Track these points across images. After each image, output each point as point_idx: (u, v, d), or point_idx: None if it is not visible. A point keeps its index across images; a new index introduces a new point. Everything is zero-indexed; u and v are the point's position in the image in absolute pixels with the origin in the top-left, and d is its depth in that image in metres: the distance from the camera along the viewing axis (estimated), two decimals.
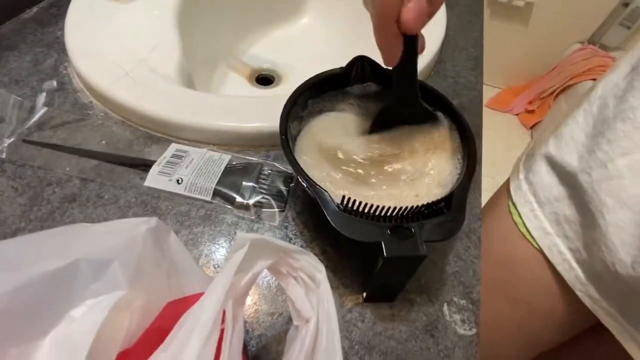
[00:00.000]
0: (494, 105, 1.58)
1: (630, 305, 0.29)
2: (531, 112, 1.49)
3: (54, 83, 0.35)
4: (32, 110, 0.32)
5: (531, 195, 0.35)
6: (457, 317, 0.24)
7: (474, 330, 0.23)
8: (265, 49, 0.61)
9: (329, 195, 0.20)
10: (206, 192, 0.28)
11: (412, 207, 0.20)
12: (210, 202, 0.28)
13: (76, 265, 0.10)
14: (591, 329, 0.38)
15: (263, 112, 0.32)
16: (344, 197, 0.20)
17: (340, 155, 0.26)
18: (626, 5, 1.25)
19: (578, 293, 0.31)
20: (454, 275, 0.26)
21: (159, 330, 0.13)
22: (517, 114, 1.55)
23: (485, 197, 0.34)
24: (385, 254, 0.19)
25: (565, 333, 0.37)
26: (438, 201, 0.21)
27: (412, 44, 0.22)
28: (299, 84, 0.27)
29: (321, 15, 0.63)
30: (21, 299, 0.09)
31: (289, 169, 0.30)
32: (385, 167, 0.26)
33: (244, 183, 0.28)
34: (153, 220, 0.15)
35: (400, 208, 0.20)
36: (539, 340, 0.38)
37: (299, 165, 0.22)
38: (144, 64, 0.35)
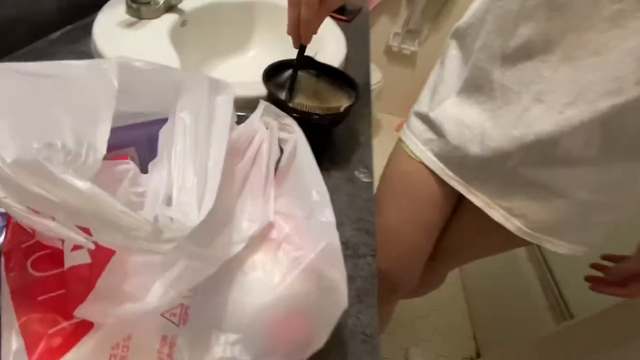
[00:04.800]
0: (399, 130, 1.99)
1: (465, 172, 0.53)
2: None
3: None
4: None
5: (411, 134, 0.60)
6: (362, 175, 0.46)
7: (370, 179, 0.46)
8: (223, 73, 0.82)
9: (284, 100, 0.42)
10: None
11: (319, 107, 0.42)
12: None
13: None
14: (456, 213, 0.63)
15: (237, 88, 0.53)
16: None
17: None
18: None
19: (443, 176, 0.55)
20: (359, 160, 0.48)
21: None
22: None
23: None
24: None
25: (442, 212, 0.61)
26: (335, 108, 0.43)
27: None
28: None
29: (264, 49, 0.88)
30: None
31: None
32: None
33: None
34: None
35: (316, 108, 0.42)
36: (427, 221, 0.61)
37: (270, 84, 0.43)
38: None
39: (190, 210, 0.18)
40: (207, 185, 0.20)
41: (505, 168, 0.47)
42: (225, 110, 0.26)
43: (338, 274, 0.24)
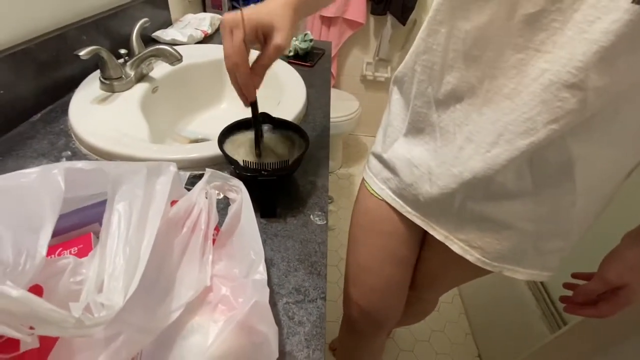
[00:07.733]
0: None
1: (422, 208, 0.56)
2: None
3: (69, 152, 0.56)
4: None
5: (370, 173, 0.64)
6: (317, 218, 0.50)
7: (324, 222, 0.49)
8: (198, 126, 0.88)
9: (235, 160, 0.46)
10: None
11: (268, 163, 0.47)
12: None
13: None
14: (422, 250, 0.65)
15: (200, 149, 0.57)
16: (243, 160, 0.46)
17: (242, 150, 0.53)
18: None
19: (403, 212, 0.58)
20: (315, 203, 0.52)
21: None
22: None
23: None
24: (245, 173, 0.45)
25: (409, 245, 0.63)
26: (282, 162, 0.47)
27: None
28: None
29: (235, 100, 0.94)
30: None
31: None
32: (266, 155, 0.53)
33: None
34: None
35: (266, 164, 0.46)
36: (395, 254, 0.64)
37: (224, 149, 0.48)
38: (127, 136, 0.59)
39: (117, 294, 0.22)
40: (138, 267, 0.24)
41: (455, 203, 0.49)
42: (162, 192, 0.30)
43: (267, 328, 0.27)
